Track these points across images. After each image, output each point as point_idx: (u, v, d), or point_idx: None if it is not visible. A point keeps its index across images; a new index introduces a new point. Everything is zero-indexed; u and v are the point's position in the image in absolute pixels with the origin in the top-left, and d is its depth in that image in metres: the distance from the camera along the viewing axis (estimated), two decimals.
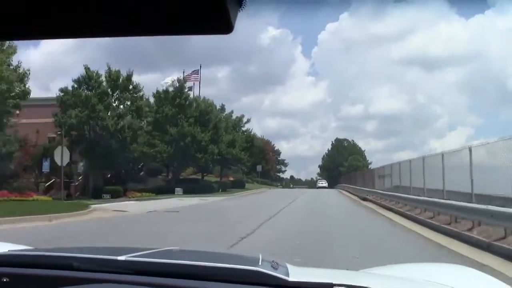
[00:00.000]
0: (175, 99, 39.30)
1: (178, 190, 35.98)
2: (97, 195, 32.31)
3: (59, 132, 34.71)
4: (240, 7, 0.77)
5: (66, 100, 33.42)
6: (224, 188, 43.69)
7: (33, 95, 29.53)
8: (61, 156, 21.45)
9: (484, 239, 8.96)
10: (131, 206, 21.21)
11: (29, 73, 26.23)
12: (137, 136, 35.01)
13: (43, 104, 35.63)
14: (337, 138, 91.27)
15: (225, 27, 0.76)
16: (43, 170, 36.91)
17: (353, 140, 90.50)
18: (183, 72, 51.81)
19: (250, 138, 52.84)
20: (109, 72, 34.48)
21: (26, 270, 1.41)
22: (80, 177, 38.58)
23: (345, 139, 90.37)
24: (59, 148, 23.22)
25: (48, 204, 19.03)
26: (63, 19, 0.78)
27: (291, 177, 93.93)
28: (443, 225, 11.79)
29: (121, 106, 35.07)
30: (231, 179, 54.07)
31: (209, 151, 39.06)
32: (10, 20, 0.77)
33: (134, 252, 1.51)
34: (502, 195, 11.12)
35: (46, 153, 33.86)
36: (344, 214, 18.41)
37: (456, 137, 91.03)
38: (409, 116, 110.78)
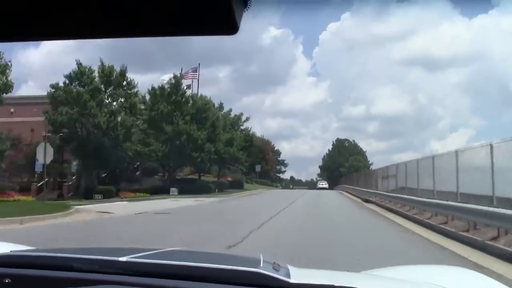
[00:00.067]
0: (171, 96, 37.87)
1: (173, 190, 34.69)
2: (88, 195, 31.13)
3: (50, 131, 33.53)
4: (245, 7, 0.77)
5: (57, 97, 32.07)
6: (221, 188, 42.31)
7: (32, 93, 28.31)
8: (44, 153, 20.06)
9: None
10: (120, 207, 19.89)
11: (11, 65, 24.75)
12: (130, 134, 33.69)
13: (39, 102, 34.56)
14: (338, 138, 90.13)
15: (231, 27, 0.76)
16: (35, 170, 35.84)
17: (354, 141, 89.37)
18: (181, 70, 50.35)
19: (249, 137, 51.23)
20: (102, 68, 33.12)
21: (28, 271, 1.41)
22: (74, 177, 37.53)
23: (346, 140, 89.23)
24: (42, 145, 21.78)
25: (27, 205, 17.74)
26: (64, 20, 0.78)
27: (291, 177, 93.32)
28: (460, 232, 10.45)
29: (114, 103, 33.72)
30: (229, 179, 52.74)
31: (205, 150, 37.61)
32: (10, 20, 0.77)
33: (135, 253, 1.50)
34: None
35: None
36: (350, 221, 17.06)
37: (458, 139, 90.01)
38: (410, 117, 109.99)
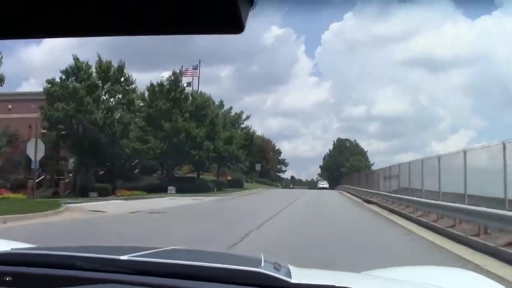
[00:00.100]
0: (170, 92, 37.20)
1: (171, 188, 34.06)
2: (84, 193, 30.54)
3: (46, 127, 32.92)
4: (251, 6, 0.77)
5: (53, 92, 31.45)
6: (220, 187, 41.65)
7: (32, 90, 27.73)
8: (35, 150, 19.43)
9: None
10: (114, 206, 19.26)
11: (1, 57, 24.09)
12: (128, 130, 33.05)
13: (37, 98, 33.93)
14: (339, 138, 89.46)
15: (237, 27, 0.76)
16: (32, 167, 35.30)
17: (355, 140, 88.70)
18: (181, 67, 49.40)
19: (249, 136, 50.42)
20: (99, 63, 32.48)
21: (29, 269, 1.40)
22: (71, 174, 36.95)
23: (347, 139, 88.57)
24: (32, 141, 21.14)
25: (16, 203, 17.11)
26: (65, 18, 0.78)
27: (292, 177, 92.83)
28: (470, 237, 9.79)
29: (112, 99, 33.07)
30: (229, 178, 52.08)
31: (204, 147, 36.92)
32: (11, 19, 0.78)
33: (136, 252, 1.49)
34: None
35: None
36: (350, 221, 16.44)
37: (458, 140, 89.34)
38: (411, 118, 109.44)
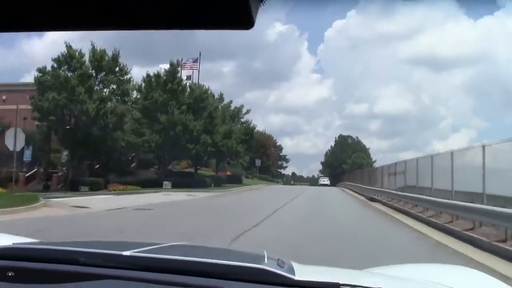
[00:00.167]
0: (167, 84, 35.78)
1: (166, 183, 32.80)
2: (75, 187, 29.30)
3: (36, 118, 31.70)
4: (261, 2, 0.76)
5: (44, 82, 30.15)
6: (218, 183, 40.37)
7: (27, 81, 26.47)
8: (14, 139, 18.12)
9: None
10: (100, 201, 17.98)
11: None
12: (122, 122, 31.75)
13: (33, 89, 32.61)
14: (341, 134, 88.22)
15: (247, 22, 0.76)
16: (24, 159, 34.07)
17: (357, 137, 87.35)
18: (181, 60, 47.80)
19: (249, 130, 48.95)
20: (93, 52, 31.15)
21: (31, 264, 1.38)
22: (64, 167, 35.80)
23: (349, 136, 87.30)
24: (11, 130, 19.83)
25: None
26: (67, 11, 0.77)
27: (293, 173, 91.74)
28: (494, 243, 8.48)
29: (105, 90, 31.77)
30: (229, 173, 50.80)
31: (201, 141, 35.55)
32: (12, 12, 0.77)
33: (139, 247, 1.47)
34: None
35: (28, 140, 30.85)
36: (355, 221, 15.12)
37: (459, 139, 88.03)
38: (413, 116, 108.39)
